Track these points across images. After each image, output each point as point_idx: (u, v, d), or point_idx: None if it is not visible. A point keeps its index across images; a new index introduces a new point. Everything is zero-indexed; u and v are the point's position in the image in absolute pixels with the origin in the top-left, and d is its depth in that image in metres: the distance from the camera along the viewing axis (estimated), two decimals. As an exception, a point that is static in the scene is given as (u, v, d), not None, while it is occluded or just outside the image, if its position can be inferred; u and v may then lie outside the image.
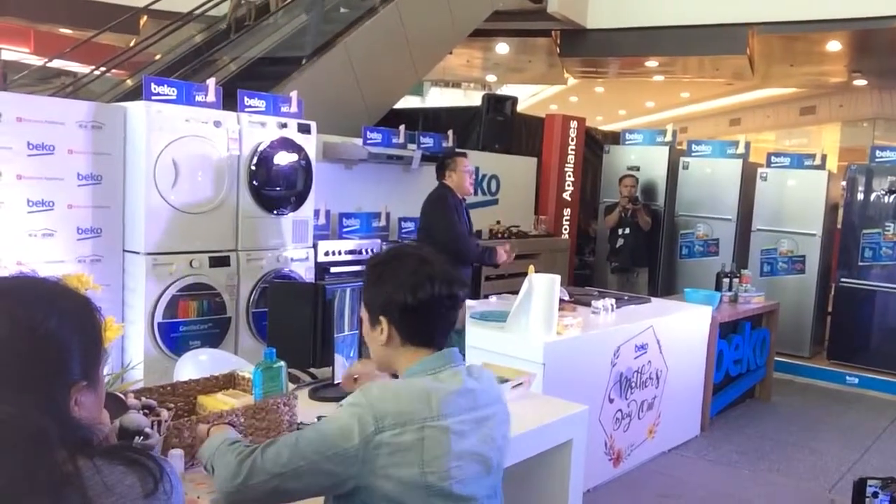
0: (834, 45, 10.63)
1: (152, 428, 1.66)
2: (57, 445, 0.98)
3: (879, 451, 5.16)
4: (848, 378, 6.85)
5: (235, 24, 7.94)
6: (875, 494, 1.30)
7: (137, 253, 4.28)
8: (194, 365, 2.87)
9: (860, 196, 7.03)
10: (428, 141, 6.65)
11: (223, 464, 1.55)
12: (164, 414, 1.75)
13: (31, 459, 0.96)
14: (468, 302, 4.25)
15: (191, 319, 4.44)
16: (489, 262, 5.09)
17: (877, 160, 7.09)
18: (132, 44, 8.45)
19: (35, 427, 0.98)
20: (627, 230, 7.39)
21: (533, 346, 3.61)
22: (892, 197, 6.85)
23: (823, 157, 7.51)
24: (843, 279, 7.11)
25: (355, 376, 2.13)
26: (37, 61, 9.49)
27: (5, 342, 1.02)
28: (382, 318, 1.65)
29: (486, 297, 4.97)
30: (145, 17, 8.98)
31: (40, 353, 1.03)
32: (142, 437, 1.59)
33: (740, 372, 5.85)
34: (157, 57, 8.12)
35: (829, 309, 7.50)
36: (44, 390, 1.02)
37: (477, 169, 7.41)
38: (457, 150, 6.62)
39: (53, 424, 0.99)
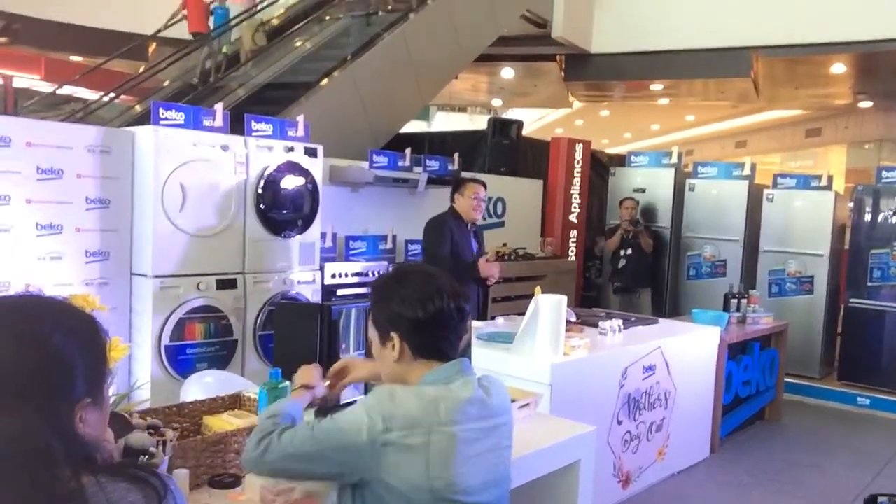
0: (838, 68, 10.68)
1: (157, 448, 1.65)
2: (62, 462, 0.99)
3: (892, 473, 5.10)
4: (859, 399, 6.79)
5: (203, 76, 7.97)
6: None
7: (145, 276, 4.30)
8: (200, 387, 2.87)
9: (867, 216, 7.01)
10: (434, 164, 6.67)
11: (253, 433, 1.68)
12: (170, 434, 1.75)
13: (36, 475, 0.96)
14: (475, 323, 4.24)
15: (198, 342, 4.44)
16: (474, 275, 4.95)
17: (883, 181, 7.09)
18: (141, 70, 8.55)
19: (41, 443, 0.98)
20: (629, 251, 7.47)
21: (540, 367, 3.59)
22: (900, 217, 6.83)
23: (830, 178, 7.51)
24: (852, 299, 7.07)
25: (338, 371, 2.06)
26: (47, 88, 9.60)
27: (12, 358, 1.02)
28: (394, 335, 1.70)
29: (492, 318, 4.94)
30: (154, 45, 9.09)
31: (46, 370, 1.03)
32: (147, 457, 1.59)
33: (750, 393, 5.80)
34: (166, 83, 8.22)
35: (839, 329, 7.45)
36: (49, 407, 1.02)
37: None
38: (471, 176, 6.56)
39: (58, 441, 0.99)
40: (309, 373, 1.95)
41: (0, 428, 0.97)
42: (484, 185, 5.06)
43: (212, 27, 8.50)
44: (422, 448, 1.55)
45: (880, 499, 1.29)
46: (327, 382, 1.99)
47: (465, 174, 6.99)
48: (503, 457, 1.70)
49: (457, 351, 1.74)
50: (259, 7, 8.28)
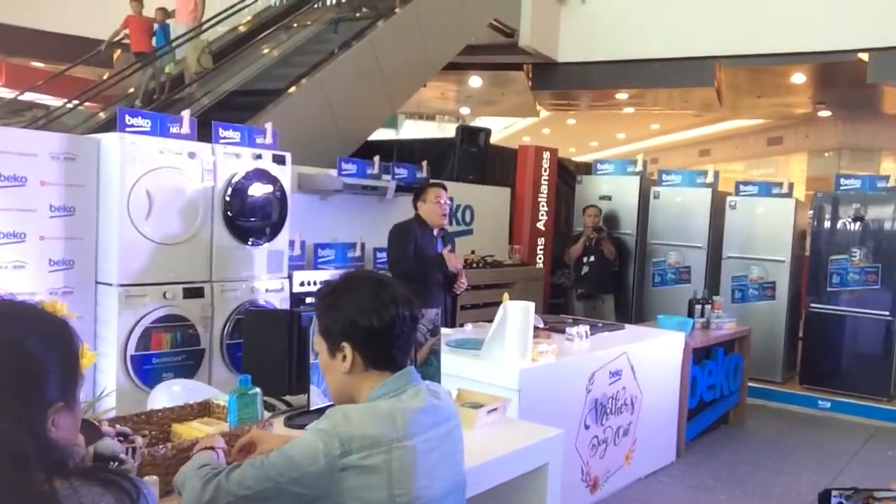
0: (798, 78, 10.92)
1: (127, 454, 1.65)
2: (35, 466, 0.99)
3: (852, 473, 5.21)
4: (820, 402, 6.93)
5: (146, 97, 7.84)
6: None
7: (110, 285, 4.25)
8: (168, 396, 2.85)
9: (827, 223, 7.17)
10: (402, 172, 6.70)
11: (190, 486, 1.57)
12: (139, 441, 1.74)
13: (9, 479, 0.96)
14: (444, 330, 4.26)
15: (164, 351, 4.40)
16: (440, 265, 4.88)
17: (841, 188, 7.26)
18: (105, 77, 8.46)
19: (14, 447, 0.98)
20: (592, 258, 7.55)
21: (508, 373, 3.62)
22: (858, 224, 7.00)
23: (790, 186, 7.67)
24: (812, 304, 7.22)
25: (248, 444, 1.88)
26: (8, 94, 9.45)
27: None
28: (345, 345, 1.62)
29: (461, 325, 4.97)
30: (119, 51, 9.00)
31: (19, 374, 1.04)
32: (116, 464, 1.58)
33: (714, 397, 5.90)
34: (131, 90, 8.14)
35: (801, 334, 7.60)
36: (22, 411, 1.02)
37: (451, 199, 7.45)
38: (432, 179, 6.62)
39: (32, 444, 1.00)
40: (212, 438, 1.84)
41: None
42: (444, 187, 5.05)
43: (155, 46, 8.34)
44: (383, 467, 1.50)
45: (833, 493, 1.33)
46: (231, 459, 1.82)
47: (433, 182, 7.03)
48: (458, 461, 1.69)
49: (407, 359, 1.68)
50: (205, 26, 8.14)
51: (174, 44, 8.07)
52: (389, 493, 1.50)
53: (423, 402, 1.62)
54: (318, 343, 1.69)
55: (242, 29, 8.93)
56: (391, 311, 1.61)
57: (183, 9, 8.32)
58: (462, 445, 1.74)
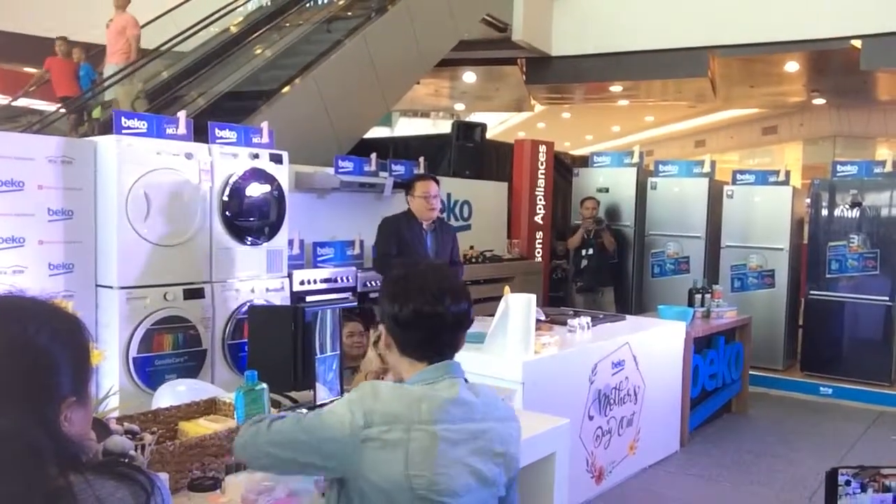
0: (792, 66, 10.93)
1: (136, 451, 1.65)
2: (50, 460, 0.99)
3: (856, 458, 5.22)
4: (822, 389, 6.95)
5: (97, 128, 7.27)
6: (848, 483, 1.34)
7: (111, 287, 4.24)
8: (173, 396, 2.85)
9: (824, 210, 7.18)
10: (399, 168, 6.69)
11: (244, 425, 1.77)
12: (148, 438, 1.74)
13: (26, 474, 0.96)
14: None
15: (166, 353, 4.39)
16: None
17: (838, 175, 7.27)
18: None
19: (30, 442, 0.98)
20: (591, 251, 7.52)
21: (511, 366, 3.63)
22: (856, 210, 7.01)
23: (787, 173, 7.68)
24: (812, 292, 7.23)
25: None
26: (1, 100, 9.41)
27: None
28: (381, 326, 1.75)
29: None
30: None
31: (32, 370, 1.04)
32: (126, 461, 1.58)
33: (716, 386, 5.91)
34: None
35: (801, 321, 7.61)
36: (36, 406, 1.02)
37: (449, 195, 7.46)
38: (420, 173, 6.47)
39: (46, 440, 1.00)
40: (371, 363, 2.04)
41: None
42: (434, 179, 4.91)
43: (83, 89, 7.78)
44: (401, 444, 1.53)
45: (841, 471, 1.33)
46: None
47: (420, 175, 7.01)
48: (492, 463, 1.65)
49: (443, 356, 1.70)
50: (139, 64, 7.51)
51: (105, 84, 7.42)
52: (406, 474, 1.53)
53: (457, 394, 1.64)
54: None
55: (234, 29, 8.90)
56: (415, 303, 1.66)
57: (113, 47, 7.53)
58: (504, 450, 1.69)
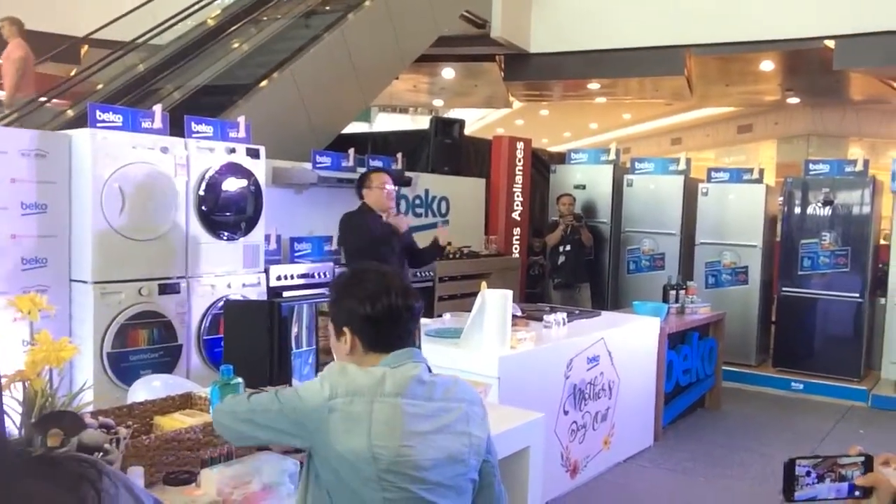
0: (767, 65, 11.04)
1: (111, 445, 1.64)
2: None
3: (825, 452, 5.29)
4: (793, 384, 7.06)
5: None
6: (808, 473, 1.37)
7: (85, 282, 4.21)
8: (148, 391, 2.83)
9: (797, 208, 7.28)
10: (377, 164, 6.68)
11: (225, 398, 1.88)
12: (123, 431, 1.74)
13: None
14: (422, 320, 4.26)
15: (141, 348, 4.37)
16: (393, 231, 4.72)
17: (810, 173, 7.37)
18: (73, 73, 8.33)
19: None
20: (568, 247, 7.57)
21: (488, 361, 3.65)
22: (828, 208, 7.11)
23: (761, 172, 7.77)
24: (784, 288, 7.34)
25: None
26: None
27: None
28: (346, 329, 1.78)
29: (439, 315, 4.98)
30: (86, 47, 8.86)
31: None
32: (101, 454, 1.58)
33: (690, 381, 5.98)
34: (100, 86, 8.01)
35: (773, 318, 7.71)
36: None
37: (427, 191, 7.48)
38: (371, 167, 6.36)
39: None
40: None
41: None
42: (388, 172, 4.94)
43: None
44: (364, 416, 1.61)
45: (799, 462, 1.36)
46: None
47: (408, 174, 7.03)
48: (458, 441, 1.70)
49: (408, 342, 1.80)
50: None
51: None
52: (370, 444, 1.59)
53: (419, 373, 1.72)
54: (329, 327, 1.88)
55: (211, 23, 8.83)
56: (385, 301, 1.75)
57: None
58: (469, 430, 1.74)
